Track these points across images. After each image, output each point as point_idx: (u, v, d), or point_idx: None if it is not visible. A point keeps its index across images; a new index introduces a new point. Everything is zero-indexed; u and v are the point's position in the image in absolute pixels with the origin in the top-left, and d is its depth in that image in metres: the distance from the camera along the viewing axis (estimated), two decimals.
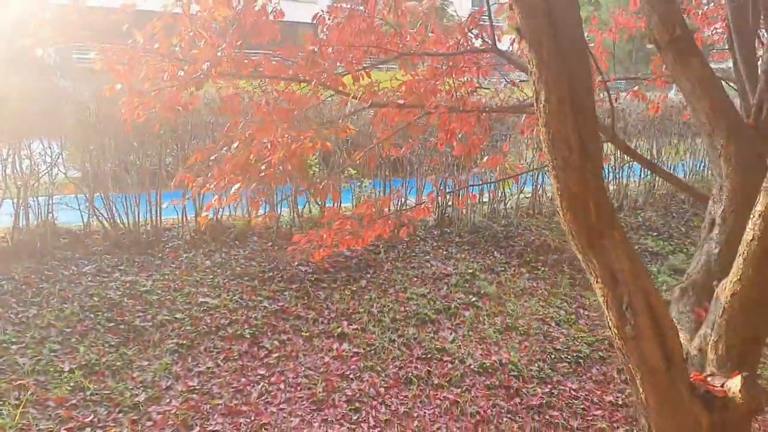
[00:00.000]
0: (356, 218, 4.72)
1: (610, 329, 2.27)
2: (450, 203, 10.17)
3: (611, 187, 12.13)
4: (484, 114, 4.43)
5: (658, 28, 2.94)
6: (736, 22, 4.04)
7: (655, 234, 11.49)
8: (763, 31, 4.30)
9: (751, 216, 2.25)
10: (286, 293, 7.71)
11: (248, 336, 6.94)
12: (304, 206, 9.38)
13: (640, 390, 2.23)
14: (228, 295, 7.42)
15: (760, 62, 3.58)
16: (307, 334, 7.22)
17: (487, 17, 4.65)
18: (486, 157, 5.97)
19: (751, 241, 2.24)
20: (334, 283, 8.16)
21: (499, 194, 10.62)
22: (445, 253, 9.41)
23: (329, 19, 5.08)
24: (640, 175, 12.61)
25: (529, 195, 11.16)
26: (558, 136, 2.08)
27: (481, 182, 8.87)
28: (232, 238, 8.59)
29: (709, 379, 2.31)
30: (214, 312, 7.11)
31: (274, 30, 4.89)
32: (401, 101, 4.22)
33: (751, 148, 3.00)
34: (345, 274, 8.33)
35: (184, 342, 6.59)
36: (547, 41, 2.02)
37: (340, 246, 4.75)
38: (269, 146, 3.66)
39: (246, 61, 4.57)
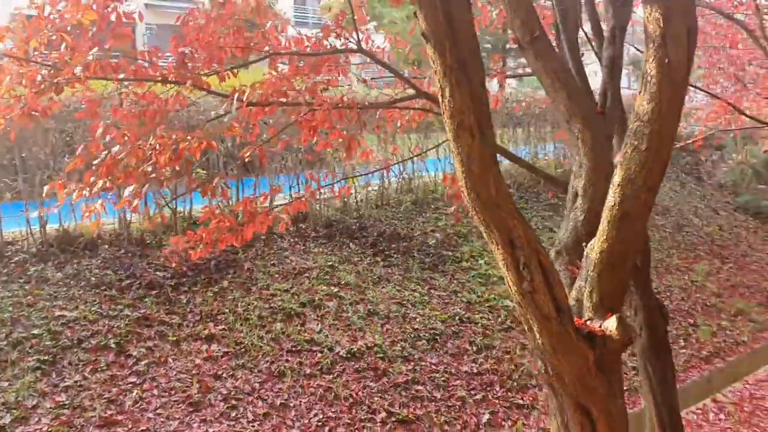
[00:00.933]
0: (234, 215, 4.83)
1: (510, 287, 2.66)
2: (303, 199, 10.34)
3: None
4: (358, 109, 4.72)
5: (520, 30, 3.40)
6: (564, 24, 4.65)
7: None
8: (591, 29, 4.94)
9: (611, 186, 2.74)
10: (146, 300, 7.53)
11: (113, 346, 6.74)
12: (155, 211, 9.14)
13: (537, 336, 2.65)
14: (86, 307, 7.12)
15: (604, 57, 4.18)
16: (174, 338, 7.13)
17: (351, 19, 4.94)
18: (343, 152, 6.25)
19: (612, 206, 2.73)
20: (195, 285, 8.08)
21: (353, 189, 10.96)
22: (303, 247, 9.62)
23: (192, 20, 5.13)
24: None
25: (377, 188, 11.61)
26: (462, 126, 2.41)
27: (358, 174, 9.06)
28: (82, 247, 8.21)
29: (588, 322, 2.78)
30: (74, 325, 6.81)
31: (129, 33, 4.87)
32: (283, 99, 4.40)
33: (602, 131, 3.57)
34: (205, 276, 8.27)
35: (46, 358, 6.28)
36: (450, 45, 2.34)
37: (220, 244, 4.83)
38: (158, 148, 3.70)
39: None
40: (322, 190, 5.88)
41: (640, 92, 2.65)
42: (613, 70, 3.94)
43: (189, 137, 3.74)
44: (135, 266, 8.01)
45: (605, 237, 2.76)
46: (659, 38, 2.57)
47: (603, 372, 2.71)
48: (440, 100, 2.44)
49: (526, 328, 2.67)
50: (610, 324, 2.66)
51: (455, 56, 2.34)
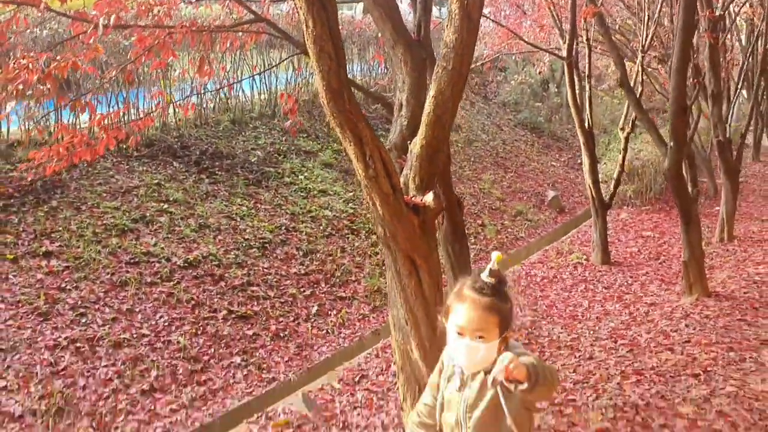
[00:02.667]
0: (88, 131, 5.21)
1: (359, 175, 3.51)
2: (121, 120, 10.42)
3: (264, 96, 13.52)
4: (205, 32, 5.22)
5: None
6: None
7: (305, 135, 13.26)
8: None
9: (428, 98, 3.68)
10: None
11: None
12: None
13: (379, 209, 3.55)
14: None
15: None
16: (12, 256, 7.26)
17: None
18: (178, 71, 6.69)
19: (428, 113, 3.67)
20: (24, 206, 8.11)
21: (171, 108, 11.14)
22: (127, 167, 9.81)
23: None
24: (286, 84, 14.08)
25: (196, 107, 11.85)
26: (322, 50, 3.16)
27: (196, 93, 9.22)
28: None
29: (413, 198, 3.75)
30: None
31: None
32: (141, 23, 4.80)
33: (419, 55, 4.50)
34: (33, 197, 8.30)
35: None
36: None
37: (75, 158, 5.20)
38: (30, 67, 4.01)
39: None
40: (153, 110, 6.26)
41: (447, 26, 3.58)
42: (426, 6, 4.86)
43: (59, 57, 4.09)
44: None
45: (424, 136, 3.71)
46: None
47: (424, 233, 3.72)
48: (304, 30, 3.16)
49: (370, 204, 3.57)
50: (428, 198, 3.66)
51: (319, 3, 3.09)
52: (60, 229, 7.99)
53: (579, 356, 5.98)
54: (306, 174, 11.87)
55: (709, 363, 5.30)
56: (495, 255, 2.03)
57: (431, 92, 3.68)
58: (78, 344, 6.50)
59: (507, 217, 14.12)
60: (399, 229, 3.59)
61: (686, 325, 6.38)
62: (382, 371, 6.46)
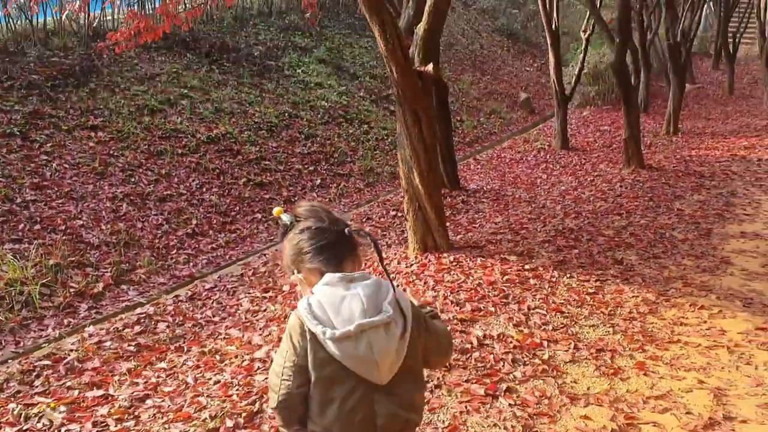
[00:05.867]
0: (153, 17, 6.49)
1: (381, 49, 4.92)
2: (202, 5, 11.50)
3: None
4: None
5: None
6: None
7: (300, 33, 14.41)
8: None
9: None
10: (31, 98, 8.76)
11: (18, 134, 8.08)
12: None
13: (395, 74, 4.97)
14: None
15: None
16: (66, 128, 8.60)
17: None
18: None
19: (430, 5, 5.07)
20: (68, 87, 9.37)
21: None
22: (148, 57, 11.02)
23: None
24: None
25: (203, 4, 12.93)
26: None
27: None
28: None
29: (418, 67, 5.19)
30: None
31: None
32: None
33: None
34: (74, 80, 9.54)
35: None
36: None
37: (139, 39, 6.52)
38: None
39: None
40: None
41: None
42: None
43: None
44: (10, 70, 9.08)
45: (426, 21, 5.13)
46: None
47: (425, 92, 5.18)
48: None
49: (389, 70, 5.02)
50: (429, 67, 5.12)
51: None
52: (101, 107, 9.30)
53: (534, 206, 7.64)
54: (303, 68, 13.15)
55: (632, 208, 6.99)
56: (275, 211, 1.86)
57: None
58: (131, 197, 7.98)
59: (483, 114, 15.61)
60: (407, 89, 5.08)
61: (620, 186, 8.05)
62: (383, 216, 8.09)
